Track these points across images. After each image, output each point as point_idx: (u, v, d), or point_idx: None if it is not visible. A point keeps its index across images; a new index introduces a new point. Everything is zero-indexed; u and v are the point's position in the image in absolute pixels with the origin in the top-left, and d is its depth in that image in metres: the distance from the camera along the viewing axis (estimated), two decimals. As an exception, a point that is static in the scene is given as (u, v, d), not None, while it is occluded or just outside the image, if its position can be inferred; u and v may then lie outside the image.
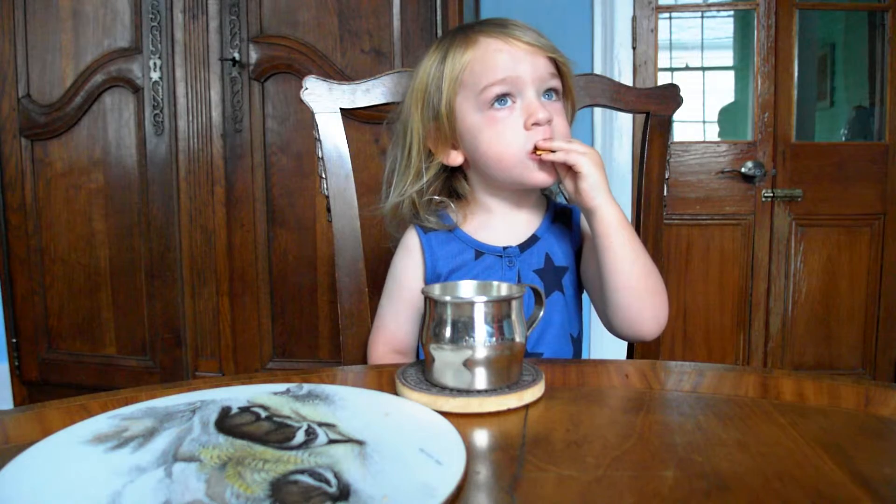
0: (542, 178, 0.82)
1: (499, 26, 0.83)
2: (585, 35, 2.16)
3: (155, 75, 1.85)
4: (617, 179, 2.17)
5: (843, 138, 2.51)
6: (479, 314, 0.55)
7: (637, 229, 1.02)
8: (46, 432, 0.48)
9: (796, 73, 2.12)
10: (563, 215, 0.92)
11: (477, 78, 0.81)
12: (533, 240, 0.87)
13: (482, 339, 0.54)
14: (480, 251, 0.86)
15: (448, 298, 0.56)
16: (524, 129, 0.80)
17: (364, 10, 1.76)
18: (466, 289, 0.63)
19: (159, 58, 1.84)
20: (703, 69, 2.83)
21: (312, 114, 0.94)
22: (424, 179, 0.87)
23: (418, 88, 0.86)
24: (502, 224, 0.88)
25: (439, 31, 1.72)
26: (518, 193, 0.87)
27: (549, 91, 0.83)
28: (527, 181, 0.82)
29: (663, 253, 1.03)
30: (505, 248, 0.86)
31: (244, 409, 0.52)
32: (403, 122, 0.89)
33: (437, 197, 0.88)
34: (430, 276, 0.87)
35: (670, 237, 2.18)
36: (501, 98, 0.81)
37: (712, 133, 2.84)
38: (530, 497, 0.39)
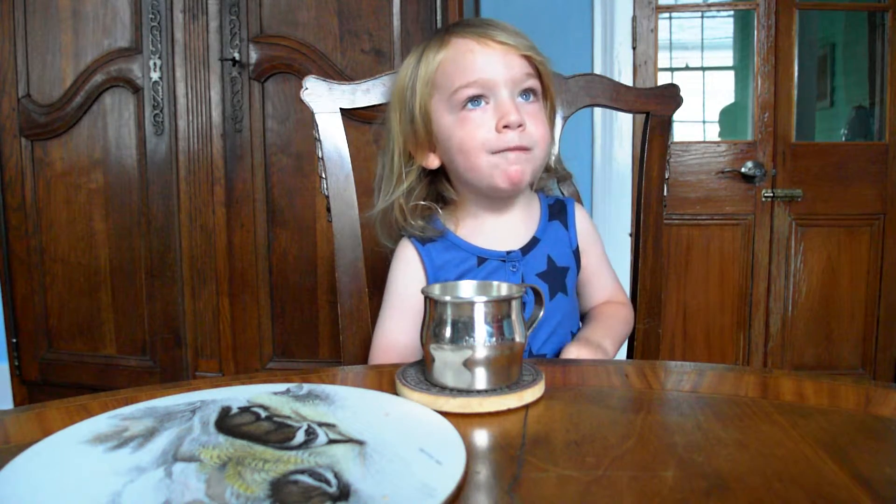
0: (507, 187, 0.80)
1: (475, 27, 0.81)
2: (585, 35, 2.16)
3: (155, 75, 1.85)
4: (617, 179, 2.17)
5: (843, 138, 2.51)
6: (479, 314, 0.55)
7: (637, 229, 1.02)
8: (46, 432, 0.48)
9: (796, 73, 2.12)
10: (558, 208, 0.91)
11: (449, 79, 0.80)
12: (533, 242, 0.87)
13: (482, 339, 0.54)
14: (483, 257, 0.85)
15: (448, 298, 0.56)
16: (496, 131, 0.78)
17: (364, 10, 1.76)
18: (466, 289, 0.63)
19: (159, 58, 1.84)
20: (703, 69, 2.83)
21: (312, 114, 0.94)
22: (405, 184, 0.85)
23: (397, 92, 0.85)
24: (496, 227, 0.87)
25: (439, 31, 1.71)
26: (500, 197, 0.85)
27: (527, 92, 0.81)
28: (495, 186, 0.80)
29: (663, 253, 1.03)
30: (508, 253, 0.85)
31: (244, 409, 0.52)
32: (386, 126, 0.88)
33: (423, 202, 0.86)
34: None
35: (670, 237, 2.18)
36: (475, 99, 0.79)
37: (712, 133, 2.84)
38: (530, 497, 0.39)
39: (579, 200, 1.00)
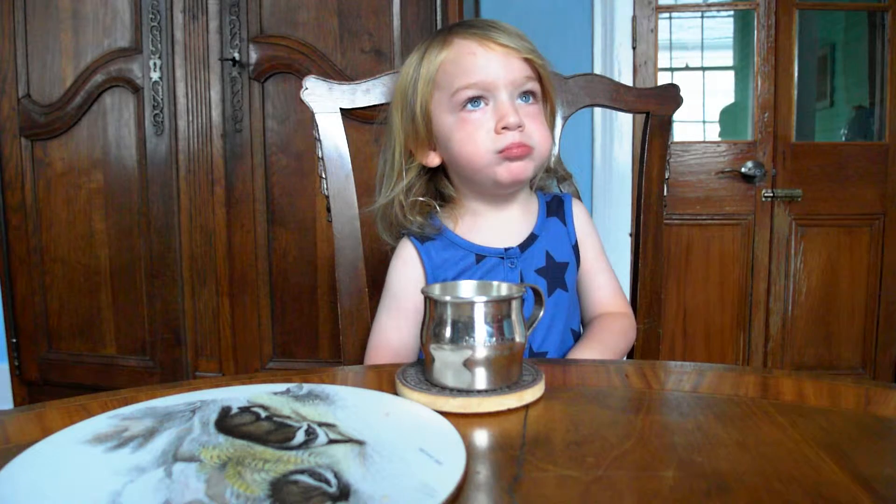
0: (510, 182, 0.81)
1: (477, 28, 0.81)
2: (585, 35, 2.16)
3: (155, 75, 1.85)
4: (617, 179, 2.17)
5: (843, 138, 2.51)
6: (479, 314, 0.55)
7: (637, 229, 1.02)
8: (46, 432, 0.48)
9: (796, 73, 2.12)
10: (556, 205, 0.92)
11: (450, 80, 0.81)
12: (532, 239, 0.87)
13: (482, 339, 0.54)
14: (481, 255, 0.85)
15: (448, 298, 0.56)
16: (495, 133, 0.79)
17: (364, 10, 1.76)
18: (466, 289, 0.63)
19: (159, 58, 1.84)
20: (703, 69, 2.83)
21: (312, 114, 0.94)
22: (405, 181, 0.86)
23: (399, 90, 0.86)
24: (494, 225, 0.87)
25: (439, 31, 1.72)
26: (502, 194, 0.86)
27: (527, 94, 0.82)
28: (498, 181, 0.81)
29: (663, 253, 1.03)
30: (507, 250, 0.85)
31: (244, 409, 0.52)
32: (388, 123, 0.89)
33: (421, 198, 0.87)
34: None
35: (670, 237, 2.18)
36: (474, 100, 0.80)
37: (712, 133, 2.84)
38: (530, 497, 0.39)
39: (579, 199, 1.00)
